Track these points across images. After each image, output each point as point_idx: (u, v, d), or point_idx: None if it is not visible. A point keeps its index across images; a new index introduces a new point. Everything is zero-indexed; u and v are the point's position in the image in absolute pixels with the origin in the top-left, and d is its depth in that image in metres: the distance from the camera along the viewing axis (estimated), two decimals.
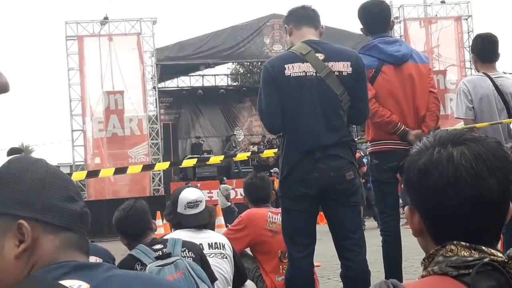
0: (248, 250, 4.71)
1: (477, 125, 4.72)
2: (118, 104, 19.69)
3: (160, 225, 10.92)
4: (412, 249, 6.17)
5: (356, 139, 4.38)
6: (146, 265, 3.06)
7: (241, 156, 9.41)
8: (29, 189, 1.27)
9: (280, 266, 4.51)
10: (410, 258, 6.79)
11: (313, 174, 3.65)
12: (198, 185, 14.77)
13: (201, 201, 3.79)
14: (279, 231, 4.29)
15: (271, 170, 18.00)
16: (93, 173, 6.98)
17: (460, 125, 5.52)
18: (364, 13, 4.61)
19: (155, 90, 21.36)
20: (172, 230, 3.95)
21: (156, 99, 21.40)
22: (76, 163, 19.81)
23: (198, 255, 3.35)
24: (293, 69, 3.67)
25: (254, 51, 20.99)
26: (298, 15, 3.93)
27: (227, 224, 9.46)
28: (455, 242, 1.24)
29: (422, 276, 1.28)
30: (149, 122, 20.21)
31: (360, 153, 13.84)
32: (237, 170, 21.20)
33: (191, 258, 3.25)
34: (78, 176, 5.28)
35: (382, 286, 1.22)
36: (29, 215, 1.25)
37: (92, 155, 19.64)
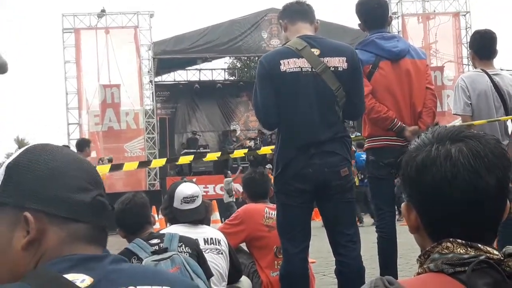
0: (243, 245, 4.72)
1: (475, 122, 4.72)
2: (114, 97, 19.68)
3: (156, 220, 10.91)
4: (407, 246, 6.18)
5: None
6: (142, 260, 3.06)
7: (238, 153, 9.41)
8: (37, 180, 1.25)
9: (276, 262, 4.51)
10: (406, 255, 6.80)
11: (308, 170, 3.65)
12: (194, 180, 14.77)
13: (197, 196, 3.79)
14: (275, 227, 4.30)
15: (266, 166, 17.97)
16: None
17: (457, 121, 5.52)
18: (362, 9, 4.61)
19: (152, 84, 21.35)
20: (168, 225, 3.95)
21: (152, 93, 21.37)
22: None
23: (195, 250, 3.34)
24: (289, 65, 3.67)
25: (252, 46, 20.98)
26: (293, 10, 3.92)
27: (223, 219, 9.47)
28: (451, 239, 1.24)
29: (418, 273, 1.27)
30: (145, 116, 20.20)
31: (353, 148, 13.84)
32: (236, 165, 21.11)
33: (187, 254, 3.25)
34: None
35: (377, 282, 1.21)
36: (35, 207, 1.23)
37: None
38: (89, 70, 19.71)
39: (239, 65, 29.16)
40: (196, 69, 26.39)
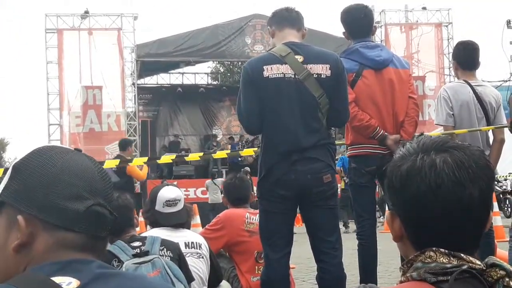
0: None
1: (456, 131, 4.77)
2: (96, 99, 19.58)
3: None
4: (387, 254, 6.22)
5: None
6: (123, 262, 3.04)
7: (220, 154, 9.40)
8: (33, 185, 1.24)
9: (256, 267, 4.51)
10: (385, 263, 6.83)
11: (291, 176, 3.65)
12: (175, 183, 14.72)
13: (179, 200, 3.78)
14: (257, 232, 4.29)
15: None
16: None
17: (439, 130, 5.56)
18: (348, 18, 4.63)
19: (134, 86, 21.28)
20: (147, 228, 3.93)
21: (135, 95, 21.30)
22: None
23: (177, 254, 3.33)
24: (272, 71, 3.68)
25: (235, 51, 20.99)
26: (281, 17, 3.93)
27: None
28: (434, 248, 1.25)
29: (401, 282, 1.28)
30: (127, 119, 20.12)
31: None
32: (216, 169, 21.09)
33: (169, 257, 3.23)
34: None
35: None
36: (29, 211, 1.23)
37: None
38: (71, 71, 19.59)
39: (222, 70, 29.15)
40: (179, 72, 26.36)
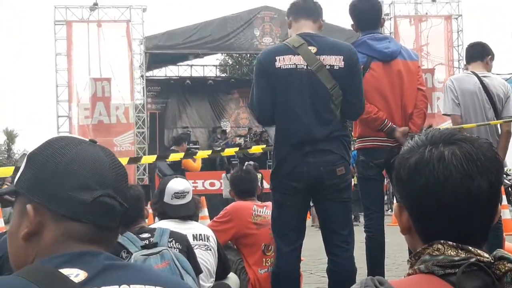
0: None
1: (465, 125, 4.75)
2: (105, 91, 19.57)
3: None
4: (394, 247, 6.21)
5: None
6: (132, 253, 3.05)
7: (229, 151, 9.40)
8: (43, 174, 1.25)
9: (263, 259, 4.52)
10: (392, 256, 6.83)
11: (302, 168, 3.64)
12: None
13: (188, 192, 3.79)
14: (264, 224, 4.30)
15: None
16: None
17: (447, 123, 5.56)
18: (355, 10, 4.61)
19: (143, 79, 21.25)
20: (156, 220, 3.94)
21: (143, 87, 21.28)
22: None
23: (185, 246, 3.34)
24: (284, 61, 3.67)
25: (244, 43, 20.91)
26: (297, 8, 3.92)
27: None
28: (442, 241, 1.24)
29: (408, 274, 1.28)
30: (135, 111, 20.11)
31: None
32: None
33: (177, 249, 3.24)
34: None
35: (368, 282, 1.22)
36: (38, 200, 1.24)
37: None
38: (80, 63, 19.58)
39: (230, 62, 29.08)
40: (187, 65, 26.30)
